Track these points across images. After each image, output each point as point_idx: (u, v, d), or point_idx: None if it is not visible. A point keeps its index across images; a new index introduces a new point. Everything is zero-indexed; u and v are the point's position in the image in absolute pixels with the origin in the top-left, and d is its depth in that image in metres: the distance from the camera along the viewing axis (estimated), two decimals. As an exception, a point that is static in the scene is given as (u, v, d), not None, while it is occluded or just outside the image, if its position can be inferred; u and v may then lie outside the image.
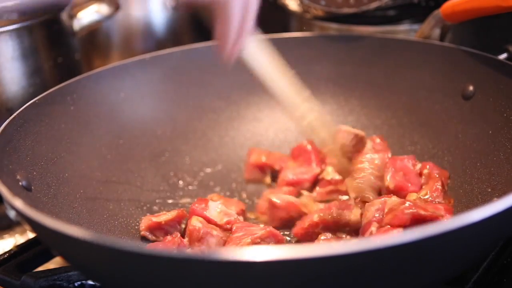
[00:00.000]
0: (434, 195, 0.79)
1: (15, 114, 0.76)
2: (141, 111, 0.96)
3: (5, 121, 0.75)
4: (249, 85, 1.04)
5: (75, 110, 0.87)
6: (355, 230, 0.77)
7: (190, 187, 0.94)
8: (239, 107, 1.03)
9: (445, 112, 0.91)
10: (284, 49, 1.04)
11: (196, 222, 0.78)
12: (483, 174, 0.80)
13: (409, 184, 0.82)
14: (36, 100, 0.81)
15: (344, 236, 0.78)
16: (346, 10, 1.05)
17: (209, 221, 0.80)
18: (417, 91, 0.96)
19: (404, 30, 1.08)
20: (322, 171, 0.92)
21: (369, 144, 0.90)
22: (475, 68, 0.88)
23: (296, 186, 0.90)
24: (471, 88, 0.88)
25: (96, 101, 0.91)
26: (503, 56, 0.88)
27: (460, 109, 0.89)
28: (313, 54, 1.03)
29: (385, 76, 0.99)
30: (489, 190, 0.77)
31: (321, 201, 0.87)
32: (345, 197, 0.87)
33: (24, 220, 0.59)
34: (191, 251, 0.47)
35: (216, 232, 0.78)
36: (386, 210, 0.72)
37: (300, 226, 0.79)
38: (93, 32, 1.28)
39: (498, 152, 0.79)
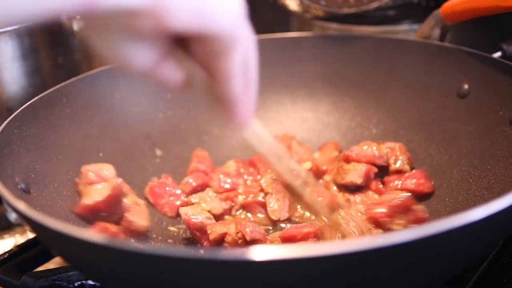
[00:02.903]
0: None
1: (11, 116, 0.76)
2: (136, 112, 0.96)
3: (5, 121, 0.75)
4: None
5: (71, 112, 0.87)
6: None
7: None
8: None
9: (441, 111, 0.91)
10: (282, 49, 1.05)
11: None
12: (480, 171, 0.80)
13: None
14: (32, 102, 0.81)
15: None
16: (346, 10, 1.05)
17: None
18: (412, 90, 0.96)
19: (404, 30, 1.08)
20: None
21: None
22: (469, 67, 0.88)
23: None
24: (466, 86, 0.88)
25: (92, 102, 0.90)
26: (497, 54, 0.88)
27: (455, 107, 0.89)
28: (310, 53, 1.04)
29: (380, 76, 0.99)
30: (487, 187, 0.77)
31: None
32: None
33: (26, 222, 0.59)
34: (191, 251, 0.47)
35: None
36: None
37: None
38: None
39: (494, 149, 0.79)
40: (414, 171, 0.88)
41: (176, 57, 0.56)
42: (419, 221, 0.78)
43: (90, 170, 0.81)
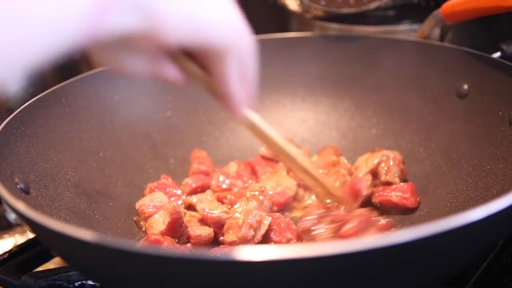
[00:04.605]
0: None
1: (10, 116, 0.76)
2: (136, 112, 0.96)
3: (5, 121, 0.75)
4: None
5: (70, 112, 0.87)
6: None
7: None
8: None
9: (440, 111, 0.91)
10: (282, 49, 1.05)
11: None
12: (479, 172, 0.80)
13: None
14: (31, 102, 0.81)
15: None
16: (346, 10, 1.05)
17: None
18: (412, 90, 0.96)
19: (404, 30, 1.08)
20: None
21: None
22: (469, 67, 0.88)
23: None
24: (465, 86, 0.88)
25: (91, 102, 0.90)
26: (496, 54, 0.88)
27: (454, 107, 0.89)
28: (310, 53, 1.03)
29: (380, 76, 0.99)
30: (487, 188, 0.77)
31: None
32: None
33: (25, 222, 0.59)
34: (191, 251, 0.47)
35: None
36: None
37: None
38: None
39: (494, 149, 0.79)
40: (403, 184, 0.86)
41: (174, 58, 0.58)
42: (386, 228, 0.76)
43: (144, 204, 0.82)
